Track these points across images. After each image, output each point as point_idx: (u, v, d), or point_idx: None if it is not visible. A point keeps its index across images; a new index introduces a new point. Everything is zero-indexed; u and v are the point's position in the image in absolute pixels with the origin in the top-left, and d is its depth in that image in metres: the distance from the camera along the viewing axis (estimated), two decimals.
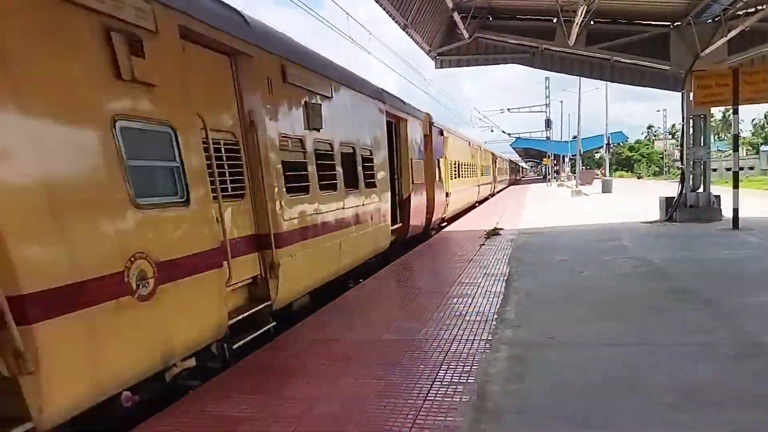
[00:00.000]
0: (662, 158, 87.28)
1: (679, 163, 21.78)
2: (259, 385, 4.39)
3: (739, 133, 13.11)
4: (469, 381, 4.14)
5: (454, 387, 4.05)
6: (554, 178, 56.31)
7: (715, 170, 14.57)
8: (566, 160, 63.27)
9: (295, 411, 3.78)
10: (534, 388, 3.91)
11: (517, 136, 67.43)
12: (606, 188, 32.22)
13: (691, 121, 14.16)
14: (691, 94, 13.63)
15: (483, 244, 11.72)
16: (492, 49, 18.06)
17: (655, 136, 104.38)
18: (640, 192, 30.95)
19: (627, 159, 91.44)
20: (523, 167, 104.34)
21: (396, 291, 7.58)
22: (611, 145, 50.68)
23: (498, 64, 18.85)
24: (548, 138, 53.96)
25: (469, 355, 4.74)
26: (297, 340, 5.57)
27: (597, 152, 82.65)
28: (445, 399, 3.84)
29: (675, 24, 14.39)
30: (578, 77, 27.75)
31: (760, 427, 3.17)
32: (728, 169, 53.10)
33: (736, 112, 12.92)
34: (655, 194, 17.59)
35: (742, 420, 3.24)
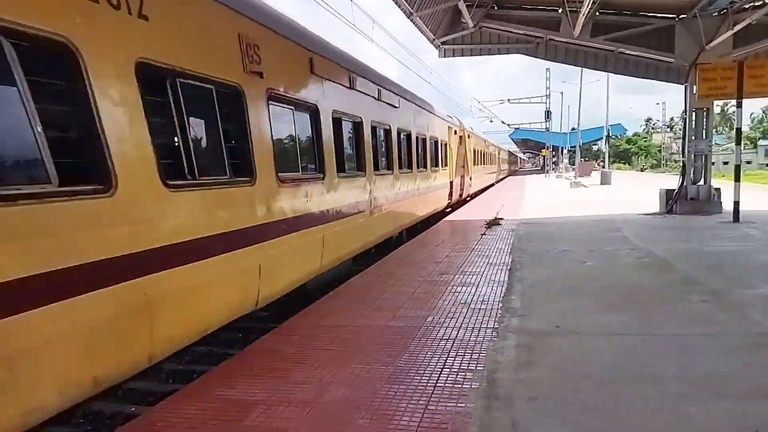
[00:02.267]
0: (660, 151, 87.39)
1: (676, 156, 21.85)
2: (267, 369, 4.40)
3: (741, 126, 13.10)
4: (478, 368, 4.16)
5: (464, 374, 4.07)
6: (552, 169, 56.30)
7: (712, 164, 14.60)
8: (565, 151, 63.24)
9: (307, 395, 3.80)
10: (544, 376, 3.93)
11: (516, 126, 67.38)
12: (605, 180, 32.23)
13: (693, 113, 14.16)
14: (695, 87, 13.64)
15: (484, 234, 11.74)
16: (496, 38, 17.98)
17: (653, 129, 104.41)
18: (639, 184, 30.99)
19: (625, 151, 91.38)
20: (521, 158, 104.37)
21: (400, 279, 7.58)
22: (610, 137, 50.62)
23: (502, 54, 18.79)
24: (547, 129, 53.88)
25: (476, 342, 4.76)
26: (303, 326, 5.58)
27: (595, 144, 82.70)
28: (456, 385, 3.86)
29: (681, 16, 14.32)
30: (580, 68, 27.64)
31: None
32: (725, 163, 53.32)
33: (740, 105, 12.92)
34: (653, 187, 17.62)
35: (752, 410, 3.27)
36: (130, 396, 5.15)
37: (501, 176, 45.05)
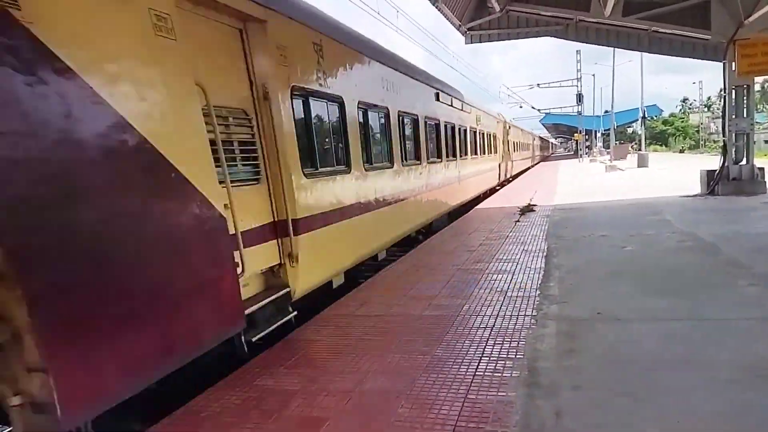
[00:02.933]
0: (698, 131, 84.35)
1: (715, 137, 21.24)
2: (305, 360, 4.43)
3: None
4: (518, 356, 4.08)
5: (503, 362, 4.00)
6: (586, 153, 55.09)
7: (754, 143, 14.03)
8: (598, 135, 61.74)
9: (346, 385, 3.80)
10: (588, 363, 3.83)
11: (547, 111, 66.09)
12: (642, 162, 31.30)
13: (733, 91, 13.60)
14: (734, 64, 13.10)
15: (518, 221, 11.56)
16: (524, 22, 17.56)
17: (690, 109, 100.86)
18: (677, 166, 30.02)
19: (661, 133, 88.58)
20: (552, 143, 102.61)
21: (434, 268, 7.52)
22: (646, 119, 49.15)
23: (530, 37, 18.30)
24: (579, 113, 52.62)
25: (515, 330, 4.68)
26: (339, 316, 5.60)
27: (630, 127, 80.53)
28: (495, 374, 3.80)
29: None
30: (613, 49, 26.85)
31: None
32: (767, 142, 51.03)
33: None
34: (693, 168, 17.02)
35: None
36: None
37: (535, 161, 49.65)
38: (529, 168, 41.07)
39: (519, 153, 33.98)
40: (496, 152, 22.36)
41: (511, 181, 27.26)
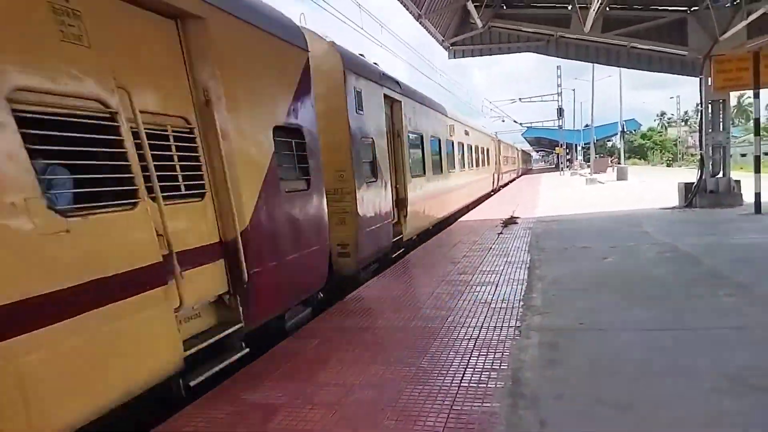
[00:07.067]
0: (675, 145, 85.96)
1: (693, 150, 21.77)
2: (291, 372, 4.40)
3: (759, 117, 12.90)
4: (502, 367, 4.11)
5: (488, 373, 4.02)
6: (567, 167, 55.81)
7: (730, 156, 14.39)
8: (579, 148, 62.61)
9: (331, 398, 3.79)
10: (571, 373, 3.88)
11: (529, 125, 66.91)
12: (621, 176, 31.86)
13: (710, 105, 13.96)
14: (710, 79, 13.46)
15: (501, 233, 11.67)
16: (506, 37, 17.88)
17: (668, 123, 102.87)
18: (656, 179, 30.58)
19: (640, 146, 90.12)
20: (533, 157, 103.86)
21: (418, 280, 7.55)
22: (625, 133, 50.03)
23: (512, 53, 18.66)
24: (560, 127, 53.45)
25: (499, 341, 4.72)
26: (325, 328, 5.58)
27: (609, 140, 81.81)
28: (480, 385, 3.82)
29: (692, 8, 14.12)
30: (592, 64, 27.41)
31: None
32: (743, 155, 52.21)
33: (757, 96, 12.72)
34: (671, 181, 17.34)
35: None
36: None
37: (519, 173, 53.48)
38: (514, 179, 45.23)
39: (507, 165, 39.50)
40: (491, 164, 27.49)
41: (500, 189, 32.17)
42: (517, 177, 49.56)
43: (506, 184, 36.68)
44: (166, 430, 3.56)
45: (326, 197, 6.16)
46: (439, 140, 13.80)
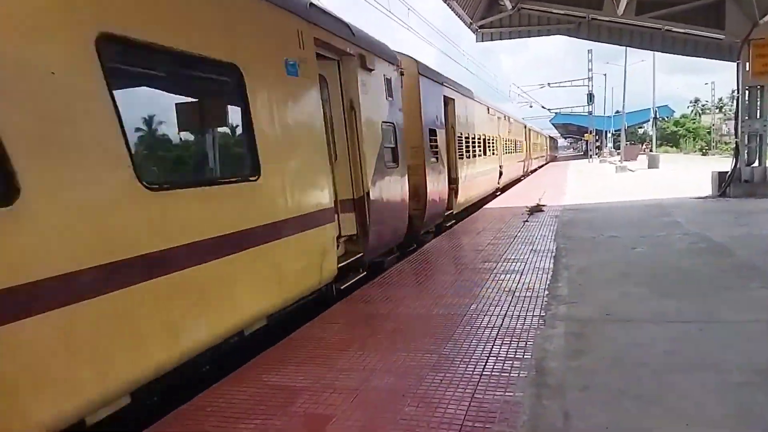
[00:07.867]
0: (709, 133, 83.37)
1: (727, 138, 21.14)
2: (312, 357, 4.41)
3: None
4: (525, 357, 4.05)
5: (511, 362, 3.96)
6: (596, 154, 54.73)
7: (767, 144, 13.89)
8: (608, 135, 61.28)
9: (352, 383, 3.78)
10: (596, 364, 3.79)
11: (557, 111, 65.70)
12: (652, 164, 31.09)
13: (747, 92, 13.45)
14: (748, 64, 12.96)
15: (527, 221, 11.50)
16: (535, 20, 17.50)
17: (702, 110, 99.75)
18: (688, 168, 29.76)
19: (672, 134, 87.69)
20: (561, 144, 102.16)
21: (442, 266, 7.51)
22: (657, 120, 48.72)
23: (542, 35, 18.26)
24: (590, 113, 52.27)
25: (523, 330, 4.64)
26: (346, 314, 5.59)
27: (641, 127, 79.83)
28: (503, 374, 3.76)
29: None
30: (625, 48, 26.67)
31: None
32: None
33: None
34: (704, 170, 16.85)
35: None
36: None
37: (547, 160, 53.92)
38: (543, 165, 46.18)
39: (536, 152, 41.49)
40: (523, 151, 30.13)
41: (530, 174, 33.55)
42: (546, 163, 50.30)
43: (535, 170, 38.35)
44: (188, 408, 3.61)
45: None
46: (481, 130, 16.09)
